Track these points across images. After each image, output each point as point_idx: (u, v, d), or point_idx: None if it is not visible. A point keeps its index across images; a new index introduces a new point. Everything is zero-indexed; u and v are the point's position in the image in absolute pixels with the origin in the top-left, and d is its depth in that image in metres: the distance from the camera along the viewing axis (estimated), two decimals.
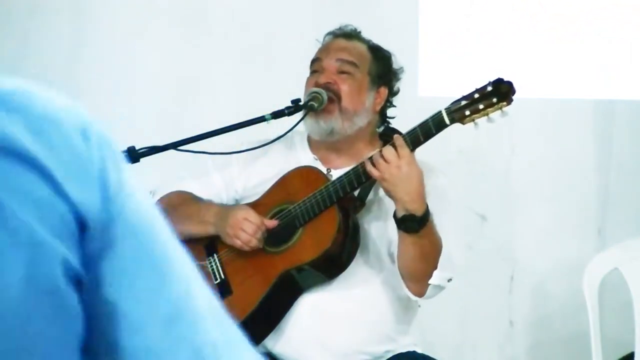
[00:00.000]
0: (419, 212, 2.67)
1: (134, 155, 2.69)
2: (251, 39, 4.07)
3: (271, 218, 2.85)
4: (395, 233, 2.74)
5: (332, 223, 2.79)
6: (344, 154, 2.94)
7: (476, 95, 2.68)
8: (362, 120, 2.91)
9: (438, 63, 4.05)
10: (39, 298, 0.91)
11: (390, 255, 2.85)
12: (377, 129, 2.99)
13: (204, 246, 2.94)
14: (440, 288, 2.80)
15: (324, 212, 2.80)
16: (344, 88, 2.90)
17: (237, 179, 2.98)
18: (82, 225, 0.93)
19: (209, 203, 2.95)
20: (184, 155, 2.81)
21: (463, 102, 2.68)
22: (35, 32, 4.03)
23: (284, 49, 3.99)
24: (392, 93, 2.99)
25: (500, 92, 2.67)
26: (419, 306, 2.95)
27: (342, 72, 2.92)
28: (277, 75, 3.95)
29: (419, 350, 2.95)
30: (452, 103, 2.70)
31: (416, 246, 2.71)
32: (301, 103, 2.89)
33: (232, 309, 3.04)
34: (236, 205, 2.93)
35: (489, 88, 2.68)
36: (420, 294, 2.81)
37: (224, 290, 2.89)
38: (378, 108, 2.95)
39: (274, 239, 2.85)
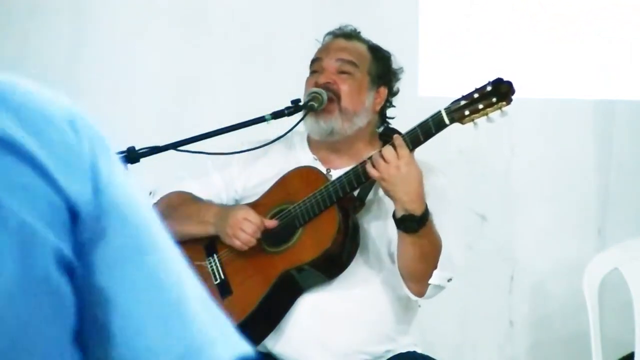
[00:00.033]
0: (418, 212, 2.67)
1: (134, 155, 2.69)
2: (251, 39, 4.07)
3: (271, 218, 2.85)
4: (395, 233, 2.74)
5: (332, 223, 2.79)
6: (343, 154, 2.94)
7: (476, 95, 2.68)
8: (362, 120, 2.91)
9: (438, 63, 4.05)
10: (32, 287, 0.92)
11: (390, 255, 2.85)
12: (376, 129, 2.99)
13: (203, 246, 2.94)
14: (440, 288, 2.80)
15: (324, 212, 2.80)
16: (344, 88, 2.89)
17: (237, 179, 2.98)
18: (73, 215, 0.95)
19: (208, 203, 2.95)
20: (184, 155, 2.81)
21: (462, 102, 2.69)
22: (35, 32, 4.03)
23: (284, 49, 3.99)
24: (392, 93, 2.99)
25: (499, 92, 2.67)
26: (419, 306, 2.95)
27: (342, 72, 2.91)
28: (277, 75, 3.95)
29: (419, 350, 2.95)
30: (452, 103, 2.70)
31: (416, 246, 2.71)
32: (301, 103, 2.89)
33: (232, 309, 3.06)
34: (236, 205, 2.93)
35: (489, 88, 2.68)
36: (421, 293, 2.81)
37: (224, 290, 2.89)
38: (378, 108, 2.95)
39: (274, 239, 2.85)
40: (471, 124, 2.69)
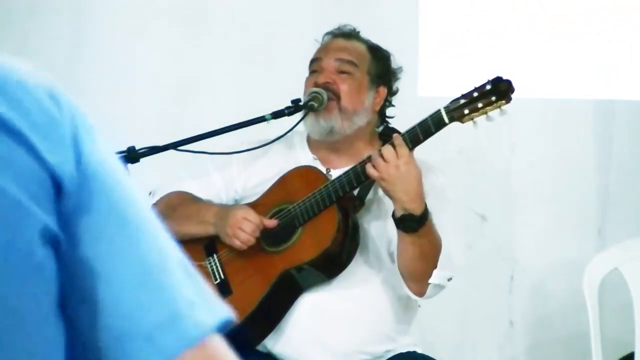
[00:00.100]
0: (417, 211, 2.67)
1: (134, 155, 2.69)
2: (251, 39, 4.07)
3: (271, 218, 2.85)
4: (394, 232, 2.74)
5: (332, 222, 2.80)
6: (343, 154, 2.94)
7: (475, 94, 2.69)
8: (362, 120, 2.91)
9: (438, 63, 4.05)
10: (16, 260, 0.93)
11: (390, 254, 2.85)
12: (376, 129, 2.99)
13: (203, 246, 2.94)
14: (440, 287, 2.80)
15: (324, 211, 2.81)
16: (344, 88, 2.90)
17: (237, 179, 2.98)
18: (57, 187, 0.95)
19: (208, 203, 2.95)
20: (184, 155, 2.81)
21: (462, 101, 2.69)
22: (35, 32, 4.03)
23: (284, 49, 3.99)
24: (391, 93, 2.99)
25: (499, 90, 2.67)
26: (419, 306, 2.95)
27: (342, 72, 2.92)
28: (277, 75, 3.95)
29: (419, 350, 2.95)
30: (451, 102, 2.70)
31: (415, 246, 2.71)
32: (301, 103, 2.89)
33: (232, 309, 3.05)
34: (236, 205, 2.93)
35: (488, 87, 2.68)
36: (421, 293, 2.81)
37: (223, 290, 2.89)
38: (377, 108, 2.95)
39: (274, 238, 2.85)
40: (471, 122, 2.69)
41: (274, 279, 2.84)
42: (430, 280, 2.76)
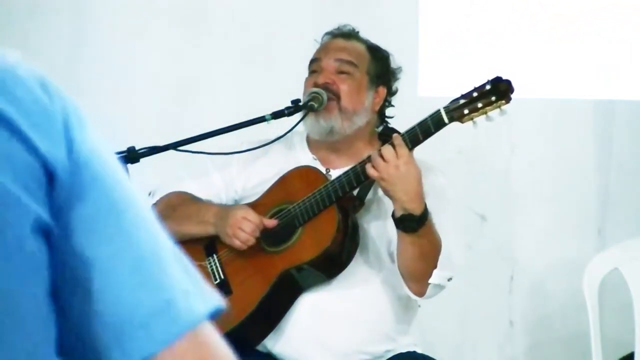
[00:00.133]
0: (417, 211, 2.67)
1: (134, 155, 2.69)
2: (251, 39, 4.07)
3: (270, 218, 2.85)
4: (394, 232, 2.74)
5: (332, 222, 2.80)
6: (343, 154, 2.94)
7: (475, 94, 2.69)
8: (362, 120, 2.91)
9: (438, 63, 4.05)
10: (7, 251, 0.94)
11: (390, 254, 2.85)
12: (375, 129, 2.99)
13: (203, 246, 2.94)
14: (440, 287, 2.80)
15: (323, 211, 2.81)
16: (344, 88, 2.90)
17: (237, 179, 2.98)
18: (50, 177, 0.95)
19: (208, 203, 2.95)
20: (184, 155, 2.81)
21: (462, 101, 2.69)
22: (35, 32, 4.03)
23: (284, 49, 3.99)
24: (391, 92, 2.99)
25: (498, 90, 2.67)
26: (419, 306, 2.95)
27: (341, 72, 2.92)
28: (277, 75, 3.95)
29: (419, 350, 2.95)
30: (451, 102, 2.70)
31: (415, 246, 2.71)
32: (301, 103, 2.89)
33: (232, 309, 3.04)
34: (235, 205, 2.93)
35: (488, 87, 2.68)
36: (421, 293, 2.81)
37: (223, 290, 2.89)
38: (377, 108, 2.95)
39: (274, 238, 2.85)
40: (470, 122, 2.69)
41: (274, 278, 2.84)
42: (430, 280, 2.76)
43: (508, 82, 2.68)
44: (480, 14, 4.04)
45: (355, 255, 2.84)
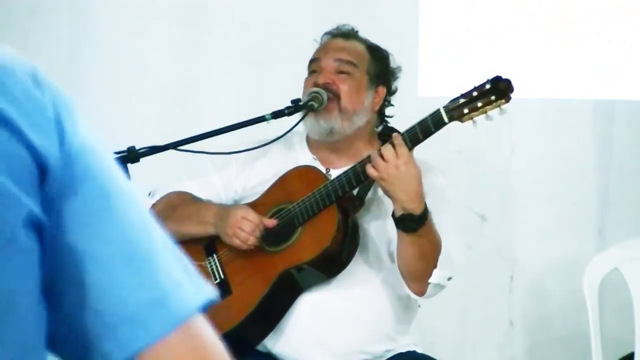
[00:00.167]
0: (417, 211, 2.67)
1: (134, 155, 2.69)
2: (251, 39, 4.07)
3: (270, 217, 2.85)
4: (394, 232, 2.74)
5: (332, 222, 2.79)
6: (343, 154, 2.94)
7: (474, 94, 2.68)
8: (361, 120, 2.91)
9: (438, 63, 4.05)
10: (0, 248, 0.94)
11: (390, 254, 2.85)
12: (375, 129, 2.99)
13: (203, 246, 2.94)
14: (440, 287, 2.80)
15: (323, 211, 2.80)
16: (344, 88, 2.89)
17: (236, 179, 2.98)
18: (42, 170, 0.96)
19: (208, 203, 2.95)
20: (184, 155, 2.81)
21: (461, 100, 2.69)
22: (35, 32, 4.03)
23: (284, 49, 3.99)
24: (390, 92, 2.99)
25: (498, 89, 2.67)
26: (419, 306, 2.95)
27: (341, 72, 2.91)
28: (277, 75, 3.95)
29: (419, 350, 2.95)
30: (451, 101, 2.70)
31: (415, 245, 2.71)
32: (301, 103, 2.89)
33: (232, 308, 3.05)
34: (236, 205, 2.93)
35: (487, 86, 2.68)
36: (421, 293, 2.81)
37: (223, 290, 2.89)
38: (377, 107, 2.95)
39: (274, 238, 2.85)
40: (470, 122, 2.69)
41: (274, 278, 2.84)
42: (430, 280, 2.76)
43: (508, 82, 2.68)
44: (480, 14, 4.04)
45: (355, 255, 2.84)
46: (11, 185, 0.94)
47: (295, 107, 2.87)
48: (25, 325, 0.96)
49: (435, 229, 2.74)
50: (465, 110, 2.68)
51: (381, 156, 2.68)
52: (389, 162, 2.66)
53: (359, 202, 2.86)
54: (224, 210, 2.88)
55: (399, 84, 3.01)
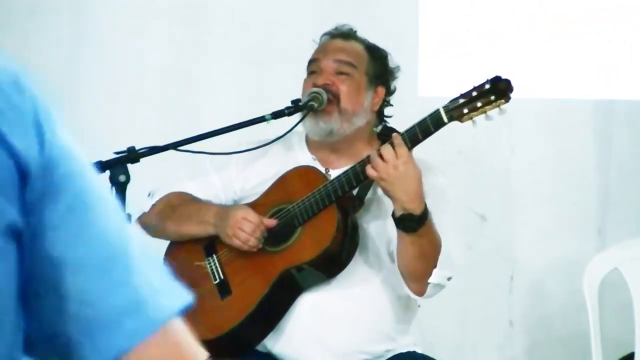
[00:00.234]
0: (417, 211, 2.67)
1: (134, 155, 2.69)
2: (251, 39, 4.07)
3: (270, 218, 2.85)
4: (394, 232, 2.74)
5: (331, 222, 2.79)
6: (342, 154, 2.94)
7: (474, 93, 2.68)
8: (361, 120, 2.91)
9: (438, 63, 4.05)
10: None
11: (390, 254, 2.85)
12: (375, 129, 2.98)
13: (203, 246, 2.94)
14: (440, 287, 2.80)
15: (323, 211, 2.80)
16: (343, 89, 2.89)
17: (235, 180, 2.98)
18: (23, 175, 0.96)
19: (208, 203, 2.95)
20: (184, 155, 2.81)
21: (461, 100, 2.69)
22: (35, 32, 4.03)
23: (284, 49, 3.99)
24: (390, 92, 2.99)
25: (498, 89, 2.67)
26: (419, 306, 2.95)
27: (340, 73, 2.91)
28: (277, 75, 3.95)
29: (419, 350, 2.95)
30: (450, 101, 2.70)
31: (415, 245, 2.71)
32: (301, 103, 2.88)
33: (231, 308, 3.06)
34: (235, 205, 2.93)
35: (487, 86, 2.68)
36: (421, 292, 2.81)
37: (223, 290, 2.89)
38: (376, 108, 2.95)
39: (273, 238, 2.85)
40: (470, 122, 2.69)
41: (274, 278, 2.84)
42: (430, 280, 2.76)
43: (507, 82, 2.68)
44: (480, 14, 4.04)
45: (355, 255, 2.84)
46: None
47: (295, 107, 2.87)
48: (4, 333, 0.96)
49: (435, 229, 2.74)
50: (465, 110, 2.68)
51: (380, 156, 2.68)
52: (389, 162, 2.66)
53: (359, 202, 2.86)
54: (224, 210, 2.88)
55: (399, 84, 3.01)
